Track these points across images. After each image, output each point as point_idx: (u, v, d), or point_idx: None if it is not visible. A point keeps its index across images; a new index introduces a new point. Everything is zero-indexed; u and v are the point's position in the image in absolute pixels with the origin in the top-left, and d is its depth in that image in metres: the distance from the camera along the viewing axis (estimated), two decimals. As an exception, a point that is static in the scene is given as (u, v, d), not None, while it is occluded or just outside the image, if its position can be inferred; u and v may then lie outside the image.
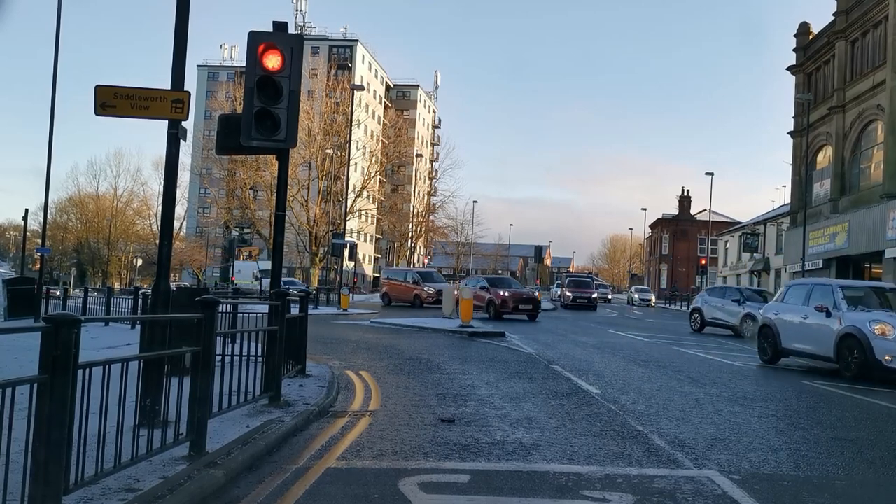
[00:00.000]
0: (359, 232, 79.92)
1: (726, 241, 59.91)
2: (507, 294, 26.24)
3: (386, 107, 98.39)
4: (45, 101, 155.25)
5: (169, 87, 6.45)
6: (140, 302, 18.23)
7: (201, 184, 76.95)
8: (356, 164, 63.33)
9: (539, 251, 49.62)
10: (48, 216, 32.62)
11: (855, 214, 29.78)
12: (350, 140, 46.31)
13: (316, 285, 50.13)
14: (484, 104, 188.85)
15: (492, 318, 24.82)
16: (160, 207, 26.25)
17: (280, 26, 8.39)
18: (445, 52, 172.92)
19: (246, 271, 49.52)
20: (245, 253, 57.58)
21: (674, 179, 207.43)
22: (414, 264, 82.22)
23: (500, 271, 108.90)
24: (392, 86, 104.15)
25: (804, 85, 36.82)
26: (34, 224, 51.68)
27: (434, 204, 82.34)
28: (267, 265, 45.97)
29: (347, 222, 54.57)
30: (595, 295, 42.83)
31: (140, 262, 73.47)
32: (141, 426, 5.11)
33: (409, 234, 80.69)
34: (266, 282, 36.39)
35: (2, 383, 3.37)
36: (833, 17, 33.29)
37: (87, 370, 4.00)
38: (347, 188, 47.17)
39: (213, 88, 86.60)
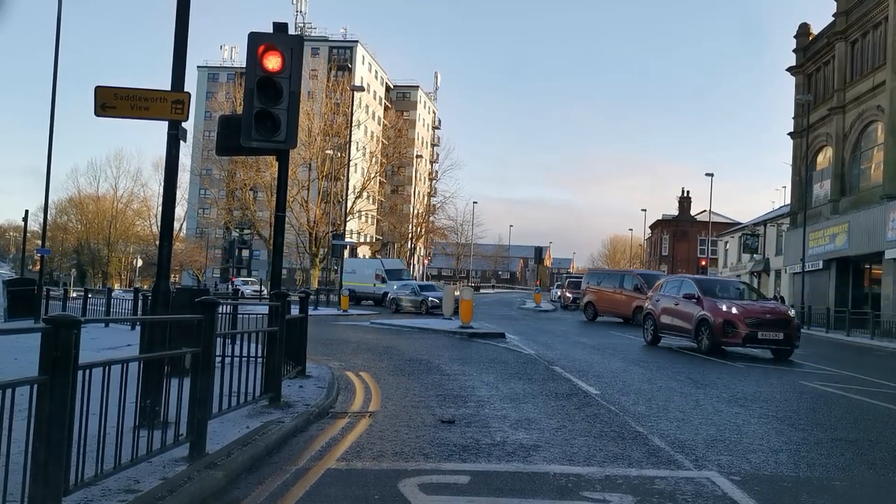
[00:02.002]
0: (359, 233, 79.91)
1: (726, 242, 59.92)
2: (737, 310, 15.27)
3: (386, 108, 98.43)
4: (44, 101, 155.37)
5: (169, 88, 6.45)
6: (140, 302, 18.23)
7: (201, 185, 77.00)
8: (356, 164, 63.35)
9: (539, 252, 49.65)
10: (48, 217, 32.62)
11: (855, 215, 29.79)
12: (350, 141, 46.34)
13: (316, 286, 50.15)
14: (484, 104, 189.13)
15: (704, 351, 15.44)
16: (160, 208, 26.23)
17: (280, 27, 8.40)
18: (445, 52, 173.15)
19: (362, 271, 41.74)
20: (360, 249, 51.22)
21: (674, 180, 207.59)
22: (414, 265, 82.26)
23: (500, 272, 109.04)
24: (392, 87, 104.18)
25: (804, 86, 36.84)
26: (34, 225, 51.72)
27: (434, 205, 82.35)
28: (395, 264, 43.71)
29: (347, 223, 54.57)
30: None
31: (140, 262, 73.46)
32: (141, 427, 5.11)
33: (409, 235, 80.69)
34: (396, 285, 34.12)
35: (2, 384, 3.37)
36: (833, 18, 33.32)
37: (87, 371, 4.00)
38: (347, 189, 47.20)
39: (214, 89, 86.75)
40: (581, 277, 52.35)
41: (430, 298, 29.99)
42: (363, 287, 39.83)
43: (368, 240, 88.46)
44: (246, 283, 52.26)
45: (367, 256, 65.86)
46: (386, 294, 36.57)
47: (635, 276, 28.06)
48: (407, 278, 39.86)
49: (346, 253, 42.52)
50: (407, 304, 31.31)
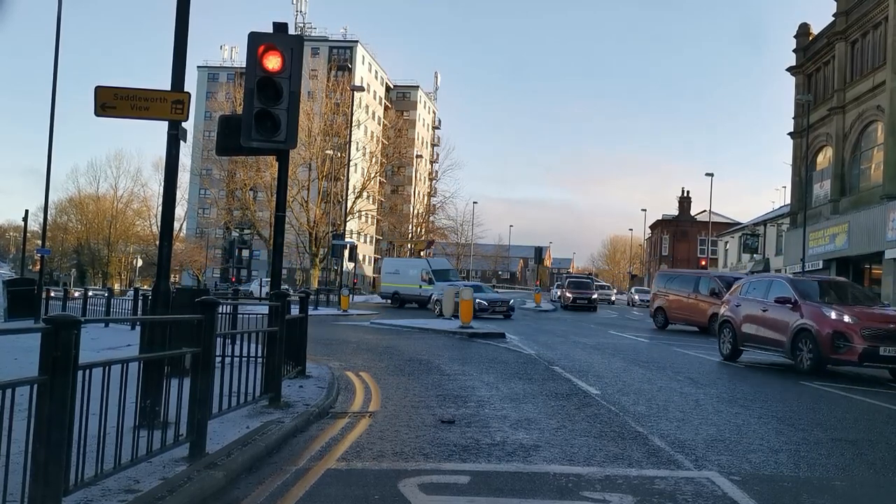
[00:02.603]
0: (359, 233, 79.93)
1: (726, 242, 59.92)
2: (851, 318, 12.21)
3: (386, 108, 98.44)
4: (43, 101, 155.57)
5: (169, 88, 6.46)
6: (140, 302, 18.24)
7: (201, 185, 77.00)
8: (356, 164, 63.36)
9: (539, 252, 49.64)
10: (48, 217, 32.63)
11: (855, 215, 29.79)
12: (350, 141, 46.35)
13: (316, 286, 50.14)
14: (484, 104, 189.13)
15: (806, 370, 12.39)
16: (160, 208, 26.19)
17: (280, 27, 8.40)
18: (445, 52, 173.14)
19: (406, 271, 38.50)
20: (399, 247, 46.30)
21: (674, 180, 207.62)
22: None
23: (500, 272, 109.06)
24: (392, 87, 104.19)
25: (804, 86, 36.83)
26: (34, 225, 51.73)
27: (434, 205, 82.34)
28: (442, 264, 40.54)
29: (347, 223, 54.58)
30: (595, 296, 42.81)
31: (140, 262, 73.48)
32: (141, 427, 5.12)
33: (409, 235, 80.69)
34: (443, 286, 30.03)
35: (2, 384, 3.37)
36: (833, 19, 33.30)
37: (87, 371, 4.00)
38: (347, 189, 47.19)
39: (214, 89, 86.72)
40: (582, 277, 52.49)
41: (477, 301, 25.50)
42: (408, 289, 37.46)
43: (368, 240, 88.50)
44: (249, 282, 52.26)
45: (366, 257, 65.61)
46: (431, 296, 34.03)
47: (713, 278, 25.07)
48: (455, 279, 36.32)
49: (346, 253, 41.30)
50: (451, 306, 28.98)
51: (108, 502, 4.16)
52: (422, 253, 42.65)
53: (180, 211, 74.86)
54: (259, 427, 6.32)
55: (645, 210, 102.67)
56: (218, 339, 5.80)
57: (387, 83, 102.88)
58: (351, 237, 61.17)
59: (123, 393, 4.48)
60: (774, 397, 10.01)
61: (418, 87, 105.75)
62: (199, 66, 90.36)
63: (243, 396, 6.69)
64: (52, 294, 26.42)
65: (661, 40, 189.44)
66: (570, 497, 4.86)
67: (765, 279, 15.59)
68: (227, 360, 6.44)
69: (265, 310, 8.92)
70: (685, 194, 79.03)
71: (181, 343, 5.52)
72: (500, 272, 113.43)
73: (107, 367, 4.21)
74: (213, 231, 79.40)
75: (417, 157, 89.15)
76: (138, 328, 12.39)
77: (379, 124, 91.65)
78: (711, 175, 51.94)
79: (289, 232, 48.85)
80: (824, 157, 34.87)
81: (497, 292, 34.98)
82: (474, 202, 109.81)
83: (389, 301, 39.83)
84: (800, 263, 32.45)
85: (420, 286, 36.43)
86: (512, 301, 30.22)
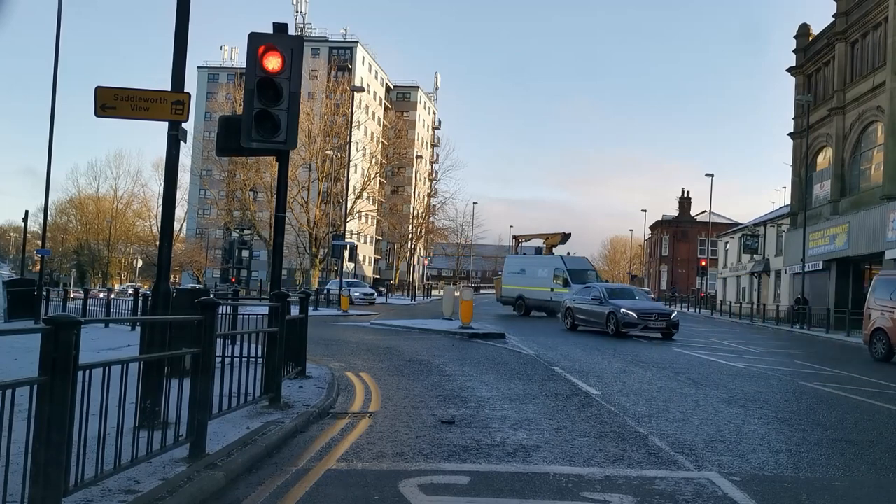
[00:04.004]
0: (359, 233, 79.93)
1: (726, 243, 59.90)
2: None
3: (386, 108, 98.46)
4: (43, 102, 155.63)
5: (169, 89, 6.46)
6: (140, 303, 18.24)
7: (201, 185, 77.00)
8: (356, 165, 63.39)
9: (539, 253, 49.56)
10: (48, 218, 32.63)
11: (855, 216, 29.79)
12: (350, 141, 46.35)
13: (316, 287, 50.15)
14: (484, 105, 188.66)
15: None
16: (160, 209, 26.17)
17: (280, 28, 8.40)
18: (445, 53, 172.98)
19: (534, 271, 31.68)
20: (523, 239, 37.04)
21: (674, 180, 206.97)
22: (414, 266, 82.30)
23: (500, 273, 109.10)
24: (392, 87, 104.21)
25: (804, 86, 36.85)
26: (34, 226, 51.81)
27: (434, 205, 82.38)
28: (580, 262, 32.88)
29: (347, 224, 54.58)
30: None
31: (140, 263, 73.51)
32: (141, 428, 5.12)
33: (409, 236, 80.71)
34: (579, 290, 24.62)
35: (2, 385, 3.37)
36: (833, 19, 33.32)
37: (87, 372, 4.00)
38: (347, 189, 47.21)
39: (214, 90, 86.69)
40: None
41: (622, 310, 19.75)
42: (535, 292, 30.79)
43: (368, 241, 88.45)
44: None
45: (366, 258, 65.41)
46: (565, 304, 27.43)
47: None
48: (594, 281, 29.43)
49: (346, 254, 38.96)
50: (585, 316, 21.52)
51: (109, 503, 4.16)
52: (553, 249, 33.23)
53: (180, 211, 74.96)
54: (259, 427, 6.32)
55: (645, 210, 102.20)
56: (218, 339, 5.80)
57: (387, 84, 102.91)
58: (351, 238, 61.20)
59: (123, 393, 4.48)
60: (774, 398, 10.00)
61: (418, 87, 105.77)
62: (199, 67, 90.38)
63: (243, 397, 6.69)
64: (52, 294, 26.44)
65: (662, 41, 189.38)
66: (570, 497, 4.86)
67: None
68: (228, 360, 6.44)
69: (265, 310, 8.92)
70: (685, 195, 79.01)
71: (181, 344, 5.53)
72: (500, 272, 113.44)
73: (107, 368, 4.21)
74: (213, 232, 79.44)
75: (417, 157, 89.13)
76: (138, 328, 12.39)
77: (379, 125, 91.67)
78: (711, 175, 51.98)
79: (289, 232, 48.82)
80: (824, 158, 34.88)
81: (651, 298, 25.60)
82: (474, 202, 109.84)
83: (512, 308, 32.91)
84: (800, 264, 32.45)
85: (551, 289, 29.82)
86: (675, 314, 21.26)
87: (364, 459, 5.72)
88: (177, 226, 70.36)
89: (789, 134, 38.24)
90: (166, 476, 4.70)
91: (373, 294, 45.16)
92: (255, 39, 8.08)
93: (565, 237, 35.21)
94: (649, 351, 16.49)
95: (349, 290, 37.58)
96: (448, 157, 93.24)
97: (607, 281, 35.70)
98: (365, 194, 64.89)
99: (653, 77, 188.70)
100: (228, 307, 11.82)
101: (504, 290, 34.41)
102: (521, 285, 32.04)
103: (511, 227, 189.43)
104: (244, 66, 8.49)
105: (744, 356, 16.07)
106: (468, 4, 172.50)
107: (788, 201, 42.07)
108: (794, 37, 38.18)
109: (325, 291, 40.70)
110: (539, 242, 35.92)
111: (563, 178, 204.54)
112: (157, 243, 8.49)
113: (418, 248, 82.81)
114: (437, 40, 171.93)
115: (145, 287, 47.48)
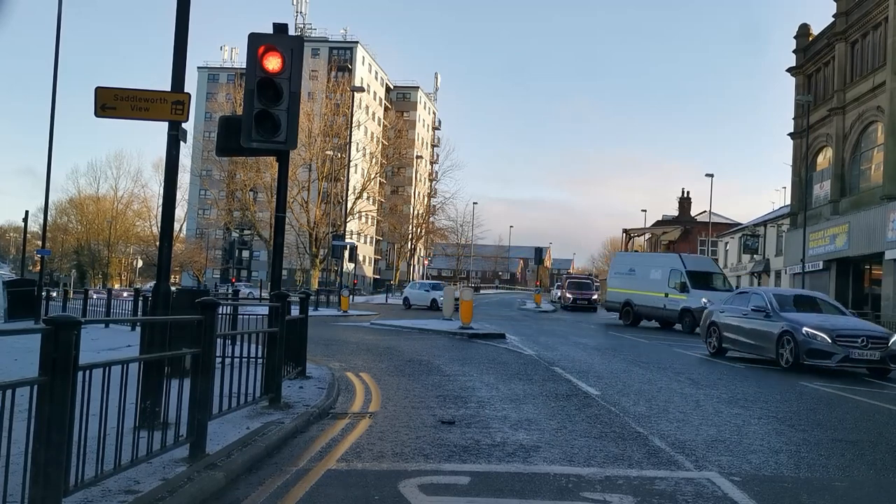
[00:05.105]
0: (359, 234, 79.95)
1: (726, 243, 59.89)
2: None
3: (386, 108, 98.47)
4: (43, 102, 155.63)
5: (169, 89, 6.46)
6: (140, 303, 18.24)
7: (201, 185, 77.04)
8: (356, 165, 63.39)
9: (539, 253, 49.62)
10: (48, 218, 32.63)
11: (855, 216, 29.78)
12: (350, 141, 46.35)
13: (316, 287, 50.13)
14: (484, 105, 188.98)
15: None
16: (160, 209, 26.14)
17: (280, 28, 8.40)
18: (446, 53, 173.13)
19: (646, 272, 27.20)
20: (641, 234, 31.24)
21: (674, 180, 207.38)
22: (414, 266, 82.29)
23: (500, 273, 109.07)
24: (392, 87, 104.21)
25: (804, 86, 36.83)
26: (34, 226, 51.77)
27: (434, 205, 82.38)
28: (703, 263, 28.02)
29: (347, 224, 54.58)
30: (595, 296, 42.80)
31: (140, 263, 73.49)
32: (141, 428, 5.12)
33: (409, 236, 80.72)
34: (701, 296, 22.65)
35: (2, 385, 3.37)
36: (833, 19, 33.31)
37: (87, 372, 4.00)
38: (347, 190, 47.20)
39: (214, 90, 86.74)
40: (582, 278, 52.00)
41: (805, 330, 13.13)
42: (646, 298, 26.34)
43: (368, 241, 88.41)
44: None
45: (366, 258, 65.17)
46: (687, 311, 23.64)
47: None
48: (724, 287, 25.19)
49: (346, 254, 38.46)
50: (739, 336, 15.03)
51: (109, 503, 4.16)
52: (671, 247, 28.33)
53: (180, 212, 74.95)
54: (259, 428, 6.32)
55: (645, 211, 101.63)
56: (218, 339, 5.80)
57: (387, 84, 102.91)
58: (351, 238, 61.21)
59: (123, 394, 4.48)
60: (774, 398, 10.00)
61: (418, 87, 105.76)
62: (199, 67, 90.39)
63: (243, 397, 6.69)
64: (54, 295, 26.43)
65: (662, 41, 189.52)
66: (571, 497, 4.86)
67: None
68: (228, 360, 6.44)
69: (265, 310, 8.92)
70: (685, 195, 78.75)
71: (181, 344, 5.53)
72: (500, 273, 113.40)
73: (107, 368, 4.21)
74: (213, 232, 79.45)
75: (417, 157, 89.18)
76: (138, 329, 12.39)
77: (379, 125, 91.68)
78: (712, 175, 51.97)
79: (289, 233, 48.82)
80: (824, 158, 34.87)
81: (851, 314, 16.23)
82: (474, 203, 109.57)
83: (618, 315, 28.60)
84: (800, 264, 32.44)
85: (665, 294, 25.39)
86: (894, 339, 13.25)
87: (364, 460, 5.72)
88: (177, 226, 70.37)
89: (789, 134, 38.22)
90: (166, 476, 4.70)
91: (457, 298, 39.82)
92: (255, 40, 8.08)
93: (686, 232, 31.42)
94: (649, 351, 16.49)
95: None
96: (448, 157, 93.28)
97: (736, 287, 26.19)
98: (365, 194, 64.92)
99: (653, 77, 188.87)
100: (228, 307, 11.82)
101: (609, 294, 29.91)
102: (630, 288, 27.41)
103: (511, 227, 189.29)
104: (244, 66, 8.49)
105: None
106: (468, 4, 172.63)
107: (788, 201, 42.05)
108: (794, 37, 38.16)
109: (404, 299, 38.26)
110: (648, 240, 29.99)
111: (563, 178, 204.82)
112: (157, 243, 8.49)
113: (418, 249, 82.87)
114: (437, 40, 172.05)
115: (145, 287, 47.41)
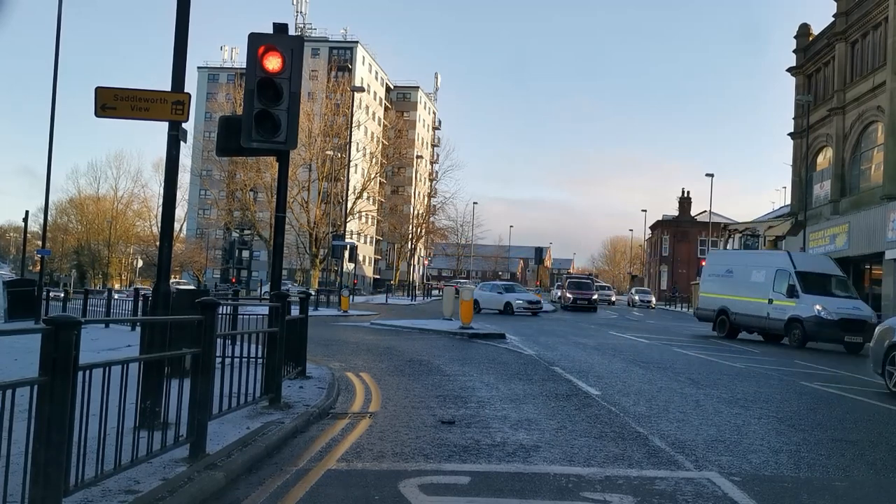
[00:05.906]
0: (359, 234, 79.94)
1: (727, 242, 59.88)
2: None
3: (386, 108, 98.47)
4: (43, 102, 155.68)
5: (169, 89, 6.46)
6: (140, 303, 18.24)
7: (201, 185, 77.03)
8: (356, 165, 63.39)
9: (539, 253, 49.67)
10: (48, 218, 32.63)
11: (855, 216, 29.78)
12: (350, 141, 46.36)
13: (316, 287, 50.14)
14: (484, 105, 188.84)
15: None
16: (160, 209, 26.14)
17: (280, 28, 8.40)
18: (446, 53, 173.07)
19: (745, 273, 22.83)
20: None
21: (674, 180, 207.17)
22: (414, 266, 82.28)
23: (500, 273, 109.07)
24: (392, 87, 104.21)
25: (804, 86, 36.83)
26: (34, 226, 51.77)
27: (434, 205, 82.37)
28: (819, 263, 22.62)
29: (347, 224, 54.58)
30: (595, 296, 42.79)
31: (140, 263, 73.51)
32: (141, 428, 5.12)
33: (410, 236, 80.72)
34: (814, 302, 19.35)
35: (2, 385, 3.37)
36: (833, 19, 33.31)
37: (88, 372, 4.00)
38: (347, 190, 47.21)
39: (214, 90, 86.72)
40: (582, 278, 52.03)
41: None
42: (746, 304, 21.81)
43: (368, 241, 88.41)
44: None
45: (366, 258, 65.04)
46: (796, 320, 19.77)
47: None
48: (845, 291, 21.15)
49: (346, 254, 38.69)
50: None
51: (109, 503, 4.16)
52: (778, 243, 23.04)
53: (180, 212, 74.90)
54: (259, 428, 6.32)
55: (645, 210, 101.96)
56: (218, 339, 5.80)
57: (387, 84, 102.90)
58: (351, 238, 61.21)
59: (124, 394, 4.48)
60: (774, 398, 10.00)
61: (418, 87, 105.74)
62: (199, 67, 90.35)
63: (243, 397, 6.69)
64: (52, 295, 26.43)
65: (662, 41, 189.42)
66: (571, 497, 4.86)
67: None
68: (228, 360, 6.44)
69: (265, 310, 8.92)
70: (685, 195, 79.02)
71: (181, 344, 5.53)
72: (500, 273, 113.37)
73: (107, 368, 4.21)
74: (213, 232, 79.43)
75: (417, 157, 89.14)
76: (138, 329, 12.39)
77: (379, 125, 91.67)
78: (712, 175, 52.00)
79: (289, 233, 48.85)
80: (824, 158, 34.86)
81: None
82: (474, 203, 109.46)
83: (712, 326, 23.86)
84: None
85: (769, 301, 20.93)
86: None
87: (364, 459, 5.72)
88: (177, 226, 70.36)
89: (789, 134, 38.21)
90: (166, 476, 4.70)
91: (539, 303, 33.72)
92: (255, 40, 8.08)
93: (797, 227, 25.06)
94: (650, 351, 16.49)
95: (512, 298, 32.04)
96: (448, 157, 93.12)
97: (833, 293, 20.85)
98: (365, 194, 64.92)
99: (653, 77, 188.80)
100: (228, 307, 11.81)
101: (701, 300, 25.15)
102: (726, 293, 22.90)
103: (511, 227, 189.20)
104: (244, 66, 8.49)
105: (744, 356, 16.08)
106: (468, 4, 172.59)
107: (788, 201, 42.04)
108: (794, 37, 38.16)
109: (474, 301, 29.99)
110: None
111: (563, 178, 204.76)
112: (158, 243, 8.50)
113: (418, 249, 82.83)
114: (437, 40, 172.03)
115: (146, 287, 47.35)
